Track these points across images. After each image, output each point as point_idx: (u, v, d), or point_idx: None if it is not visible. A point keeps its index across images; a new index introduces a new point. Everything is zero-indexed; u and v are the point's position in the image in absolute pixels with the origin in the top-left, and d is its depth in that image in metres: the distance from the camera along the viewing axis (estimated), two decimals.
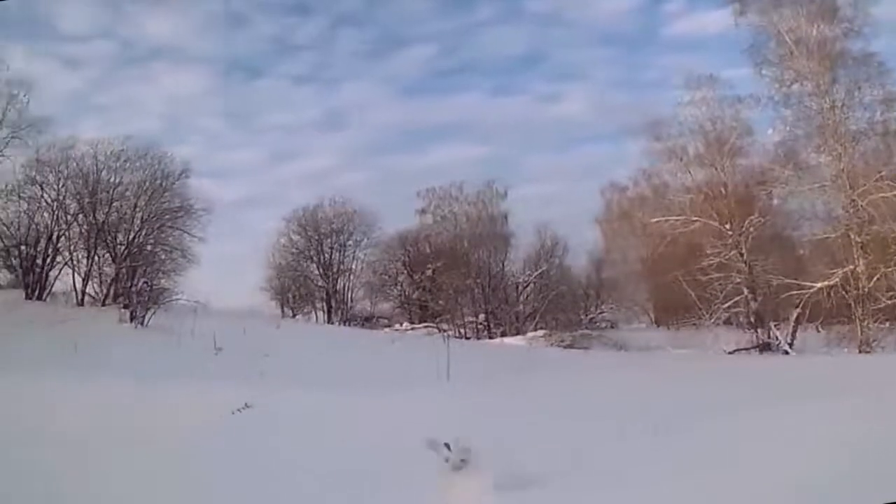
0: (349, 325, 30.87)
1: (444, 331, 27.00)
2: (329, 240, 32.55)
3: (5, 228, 25.31)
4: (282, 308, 32.42)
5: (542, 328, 27.25)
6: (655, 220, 24.97)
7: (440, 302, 29.86)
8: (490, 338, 27.87)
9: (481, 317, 29.58)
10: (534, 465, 7.94)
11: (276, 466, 8.71)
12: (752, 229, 24.09)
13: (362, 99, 32.40)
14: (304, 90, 36.31)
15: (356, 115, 33.00)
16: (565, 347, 24.54)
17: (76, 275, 26.44)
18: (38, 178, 25.55)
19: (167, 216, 27.26)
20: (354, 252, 32.89)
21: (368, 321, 31.64)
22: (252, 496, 7.86)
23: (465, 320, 29.37)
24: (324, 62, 34.36)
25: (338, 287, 32.57)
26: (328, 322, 31.46)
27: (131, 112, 31.18)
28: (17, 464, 7.22)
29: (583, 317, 28.41)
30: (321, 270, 32.71)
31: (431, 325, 28.64)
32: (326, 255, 32.61)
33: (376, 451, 9.43)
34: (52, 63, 28.15)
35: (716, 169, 25.56)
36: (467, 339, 27.78)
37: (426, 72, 35.04)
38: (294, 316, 31.96)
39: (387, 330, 29.82)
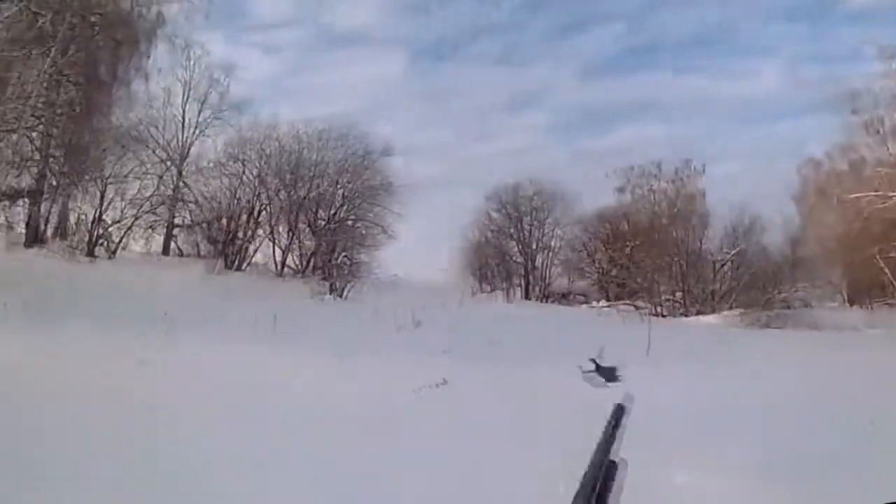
0: (546, 301, 30.57)
1: (640, 308, 26.24)
2: (528, 217, 32.56)
3: (208, 202, 26.33)
4: (480, 284, 32.53)
5: (737, 307, 26.05)
6: (852, 196, 23.27)
7: (637, 279, 29.09)
8: (685, 316, 26.82)
9: (678, 294, 28.61)
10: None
11: (470, 442, 8.48)
12: None
13: (553, 78, 32.16)
14: (496, 71, 36.45)
15: (548, 95, 32.84)
16: (761, 327, 23.25)
17: (276, 247, 27.43)
18: (240, 155, 26.61)
19: (368, 193, 27.82)
20: (553, 229, 32.83)
21: (565, 298, 31.22)
22: (445, 470, 7.66)
23: (662, 298, 28.47)
24: (515, 43, 34.37)
25: (536, 264, 32.47)
26: (525, 298, 31.23)
27: (330, 94, 32.35)
28: (223, 436, 7.36)
29: (777, 296, 26.95)
30: (520, 247, 32.58)
31: (628, 302, 27.89)
32: (525, 232, 32.61)
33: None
34: (252, 50, 29.63)
35: None
36: (663, 316, 26.86)
37: (614, 50, 34.42)
38: (492, 291, 31.91)
39: (584, 307, 29.31)
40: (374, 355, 14.37)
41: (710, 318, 24.96)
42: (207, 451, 6.43)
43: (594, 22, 35.81)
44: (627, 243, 29.87)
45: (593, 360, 17.05)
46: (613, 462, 0.95)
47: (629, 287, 29.65)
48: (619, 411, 1.07)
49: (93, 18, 17.01)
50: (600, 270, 32.32)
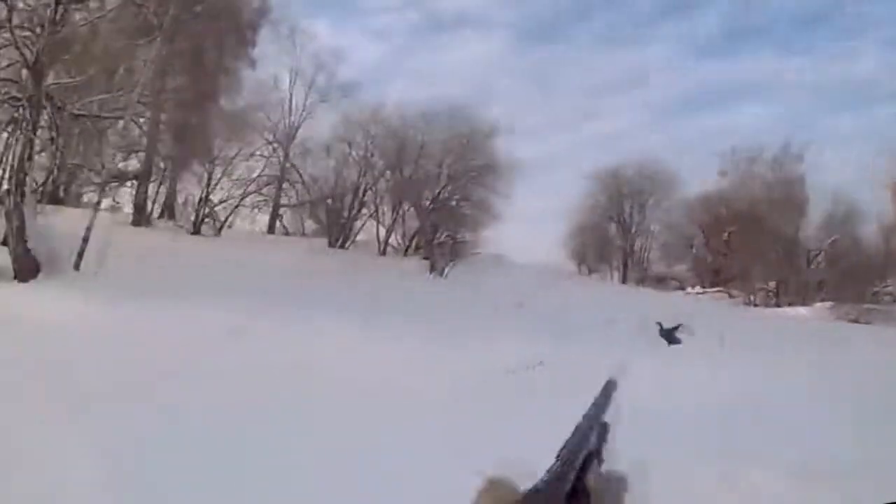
0: (643, 285, 30.00)
1: (734, 296, 25.51)
2: (630, 200, 32.01)
3: (314, 183, 26.93)
4: (579, 266, 32.26)
5: (828, 300, 24.82)
6: None
7: (733, 267, 28.22)
8: (777, 306, 25.82)
9: (772, 284, 27.58)
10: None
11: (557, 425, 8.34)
12: None
13: (658, 60, 31.19)
14: (602, 51, 35.70)
15: (652, 76, 32.01)
16: (850, 321, 22.08)
17: (380, 226, 27.82)
18: (346, 137, 27.02)
19: (472, 173, 27.76)
20: (654, 213, 32.30)
21: (661, 282, 30.57)
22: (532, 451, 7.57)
23: (756, 287, 27.49)
24: (620, 23, 33.45)
25: (635, 247, 31.95)
26: (623, 282, 30.79)
27: (436, 76, 32.41)
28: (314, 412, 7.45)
29: (869, 290, 25.54)
30: (620, 230, 32.18)
31: (723, 289, 27.11)
32: (626, 215, 32.10)
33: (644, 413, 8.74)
34: (358, 34, 29.92)
35: None
36: (756, 305, 25.96)
37: (719, 32, 33.06)
38: (590, 274, 31.62)
39: (679, 292, 28.63)
40: (471, 335, 14.48)
41: (801, 310, 23.96)
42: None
43: (698, 3, 34.36)
44: (725, 229, 28.95)
45: (659, 324, 17.08)
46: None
47: (724, 274, 28.78)
48: (609, 385, 1.09)
49: (197, 8, 17.53)
50: (697, 256, 31.41)
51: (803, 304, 25.35)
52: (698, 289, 28.80)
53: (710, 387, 9.79)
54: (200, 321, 12.29)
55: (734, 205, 29.76)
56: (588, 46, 33.05)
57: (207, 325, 11.86)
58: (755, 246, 27.30)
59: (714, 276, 29.69)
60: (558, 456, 0.87)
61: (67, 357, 8.66)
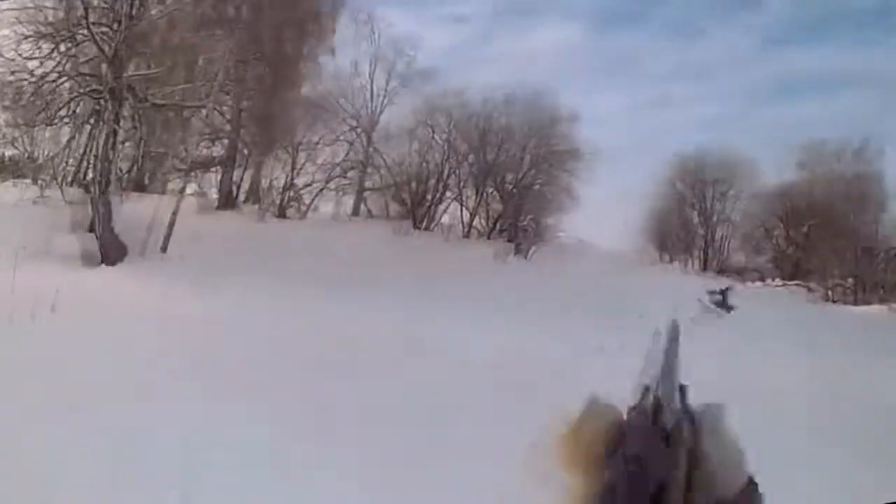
0: (723, 275, 29.23)
1: (812, 291, 24.60)
2: (710, 188, 31.20)
3: (397, 166, 27.16)
4: (660, 253, 31.73)
5: None
6: None
7: (812, 261, 27.19)
8: (855, 304, 24.71)
9: (850, 280, 26.42)
10: None
11: None
12: None
13: (735, 47, 30.04)
14: (679, 38, 34.71)
15: (730, 64, 30.83)
16: None
17: (464, 209, 27.96)
18: (429, 121, 27.21)
19: (554, 158, 27.69)
20: (734, 202, 31.33)
21: (741, 273, 29.68)
22: None
23: (834, 283, 26.39)
24: (697, 9, 32.32)
25: (715, 236, 31.17)
26: (703, 270, 29.95)
27: (515, 62, 32.17)
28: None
29: None
30: (701, 218, 31.40)
31: (801, 283, 26.13)
32: (707, 204, 31.29)
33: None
34: (436, 21, 29.87)
35: None
36: (833, 302, 24.96)
37: (789, 22, 31.48)
38: (671, 261, 31.04)
39: (758, 283, 27.74)
40: (558, 316, 14.50)
41: (875, 308, 22.88)
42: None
43: None
44: (804, 222, 27.89)
45: (711, 292, 16.88)
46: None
47: (803, 268, 27.72)
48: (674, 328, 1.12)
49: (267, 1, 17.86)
50: (776, 248, 30.28)
51: (881, 302, 24.24)
52: (778, 281, 27.79)
53: None
54: (289, 300, 12.61)
55: (813, 198, 28.62)
56: (666, 33, 32.12)
57: (295, 303, 12.19)
58: (833, 241, 26.26)
59: (793, 270, 28.60)
60: (647, 386, 0.93)
61: (154, 336, 9.04)
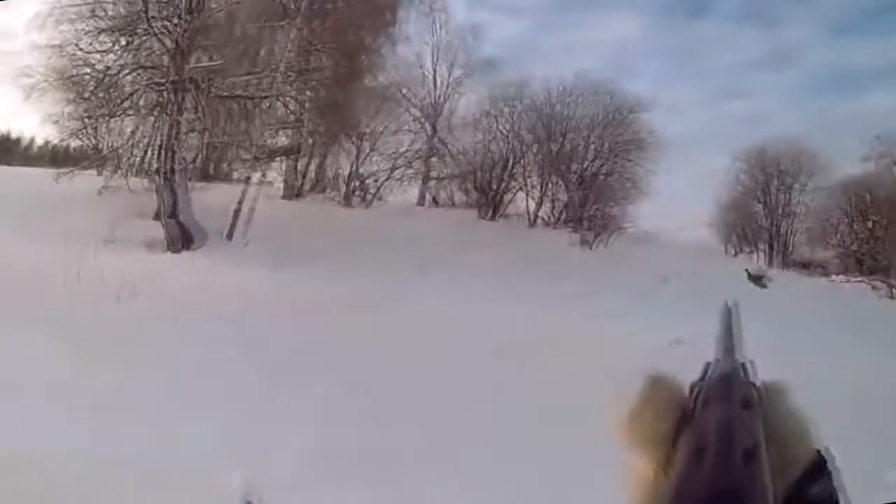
0: (787, 268, 28.35)
1: (877, 288, 23.65)
2: (775, 180, 30.25)
3: (462, 156, 26.93)
4: (725, 246, 31.00)
5: None
6: None
7: (877, 257, 26.10)
8: None
9: None
10: None
11: None
12: None
13: (803, 37, 28.74)
14: (746, 28, 33.48)
15: (796, 55, 29.51)
16: None
17: (529, 199, 27.48)
18: (492, 111, 26.81)
19: (619, 148, 27.25)
20: (800, 196, 30.19)
21: (806, 268, 28.71)
22: None
23: None
24: (759, 1, 31.04)
25: (780, 230, 30.27)
26: (768, 264, 29.10)
27: (579, 52, 31.60)
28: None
29: None
30: (766, 211, 30.49)
31: (866, 279, 25.15)
32: (772, 197, 30.35)
33: None
34: (497, 12, 29.54)
35: None
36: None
37: (855, 10, 29.86)
38: (735, 255, 30.28)
39: (822, 279, 26.83)
40: (628, 306, 14.46)
41: None
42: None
43: None
44: (869, 217, 26.75)
45: (746, 270, 16.84)
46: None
47: (868, 264, 26.61)
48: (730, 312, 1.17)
49: None
50: (841, 243, 29.15)
51: None
52: (842, 277, 26.80)
53: None
54: (357, 284, 12.80)
55: (878, 193, 27.44)
56: (731, 23, 30.99)
57: (364, 288, 12.37)
58: None
59: (858, 266, 27.52)
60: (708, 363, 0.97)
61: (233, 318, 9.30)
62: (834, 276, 27.12)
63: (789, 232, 30.22)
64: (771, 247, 30.07)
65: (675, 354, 10.48)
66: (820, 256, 29.69)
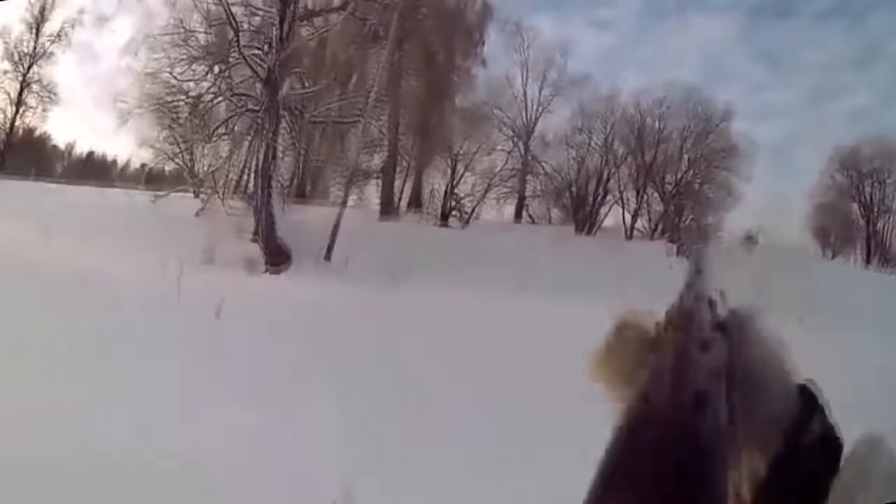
0: (887, 267, 26.76)
1: None
2: (870, 179, 28.65)
3: (556, 172, 26.68)
4: (823, 248, 29.57)
5: None
6: None
7: None
8: None
9: None
10: None
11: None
12: None
13: (889, 32, 27.12)
14: (832, 26, 31.96)
15: (887, 49, 27.92)
16: None
17: (625, 212, 27.10)
18: (584, 126, 26.61)
19: (712, 156, 26.62)
20: (895, 192, 28.49)
21: None
22: None
23: None
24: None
25: (877, 228, 28.64)
26: (867, 263, 27.58)
27: (667, 62, 31.01)
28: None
29: None
30: (861, 210, 28.91)
31: None
32: (867, 195, 28.77)
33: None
34: (583, 27, 29.21)
35: None
36: None
37: None
38: (834, 257, 28.83)
39: None
40: None
41: None
42: None
43: None
44: None
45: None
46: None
47: None
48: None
49: (420, 15, 17.98)
50: None
51: None
52: None
53: None
54: (457, 303, 12.60)
55: None
56: (818, 22, 29.77)
57: (464, 307, 12.18)
58: None
59: None
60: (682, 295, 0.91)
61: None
62: None
63: (885, 228, 28.64)
64: (869, 246, 28.50)
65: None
66: None
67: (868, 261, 27.83)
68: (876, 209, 28.52)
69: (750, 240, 17.79)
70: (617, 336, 0.85)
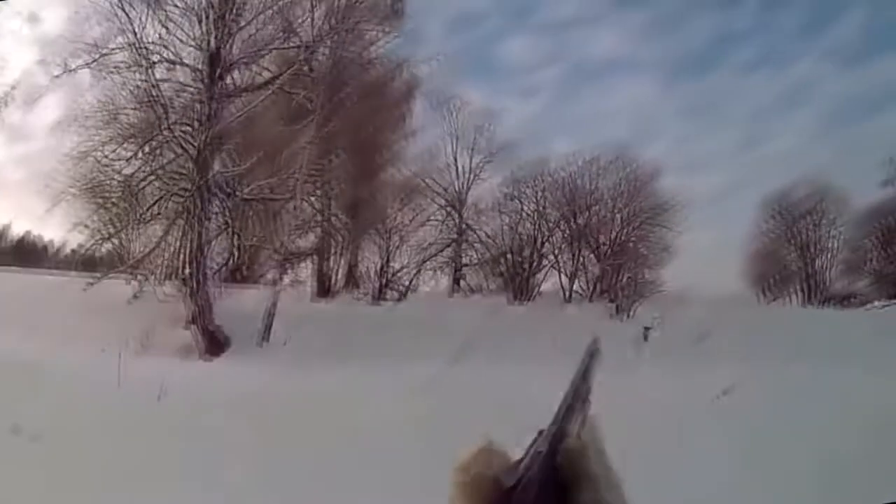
0: (825, 305, 27.52)
1: None
2: (804, 220, 29.57)
3: (491, 240, 26.78)
4: (762, 294, 30.23)
5: None
6: None
7: None
8: None
9: None
10: None
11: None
12: None
13: (809, 76, 28.50)
14: (754, 75, 33.46)
15: (806, 93, 29.20)
16: None
17: (562, 275, 27.08)
18: (516, 193, 26.75)
19: (645, 214, 26.95)
20: (829, 230, 29.47)
21: (846, 300, 27.90)
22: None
23: None
24: (767, 44, 31.05)
25: (815, 268, 29.53)
26: (805, 304, 28.27)
27: (594, 125, 31.80)
28: None
29: None
30: (798, 252, 29.82)
31: None
32: (802, 237, 29.69)
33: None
34: (508, 95, 29.82)
35: None
36: None
37: (863, 39, 29.62)
38: (773, 301, 29.46)
39: (864, 308, 26.05)
40: (670, 365, 14.41)
41: None
42: None
43: (835, 14, 31.11)
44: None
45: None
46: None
47: None
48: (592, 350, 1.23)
49: (346, 90, 18.02)
50: (875, 270, 28.42)
51: None
52: (881, 302, 26.06)
53: None
54: (391, 379, 12.54)
55: None
56: (739, 73, 31.11)
57: (397, 382, 12.13)
58: None
59: (894, 289, 26.74)
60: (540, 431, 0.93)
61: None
62: (872, 304, 26.36)
63: (824, 268, 29.48)
64: (808, 286, 29.23)
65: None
66: (857, 287, 28.85)
67: (809, 299, 28.52)
68: (813, 248, 29.37)
69: (647, 330, 18.70)
70: (469, 467, 0.87)
